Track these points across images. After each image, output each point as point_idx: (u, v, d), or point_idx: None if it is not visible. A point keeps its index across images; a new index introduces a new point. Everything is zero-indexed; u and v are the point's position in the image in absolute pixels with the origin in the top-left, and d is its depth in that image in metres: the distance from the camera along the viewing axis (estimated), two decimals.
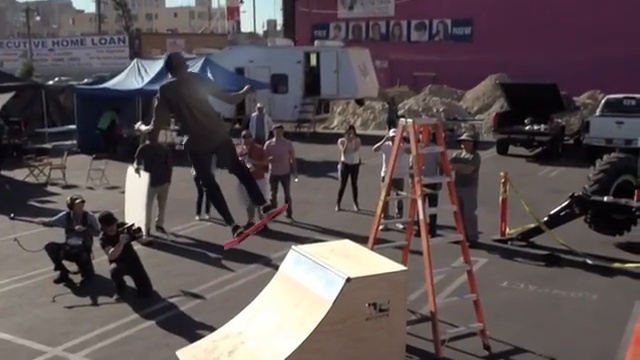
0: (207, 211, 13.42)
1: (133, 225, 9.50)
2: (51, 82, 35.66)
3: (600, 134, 19.63)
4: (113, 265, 9.11)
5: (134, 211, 11.66)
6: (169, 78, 7.14)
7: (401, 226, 10.99)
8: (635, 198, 10.83)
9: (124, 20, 68.27)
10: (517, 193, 11.85)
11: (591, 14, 33.49)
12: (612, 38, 32.54)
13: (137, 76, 21.59)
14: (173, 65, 7.11)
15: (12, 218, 9.81)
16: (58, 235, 10.04)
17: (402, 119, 7.60)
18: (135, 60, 23.88)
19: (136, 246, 9.75)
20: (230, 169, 7.68)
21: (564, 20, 34.32)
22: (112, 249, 9.06)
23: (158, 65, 21.48)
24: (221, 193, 7.41)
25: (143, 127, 7.51)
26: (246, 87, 7.68)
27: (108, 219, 9.26)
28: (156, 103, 7.06)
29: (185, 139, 7.18)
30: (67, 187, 16.78)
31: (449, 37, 39.88)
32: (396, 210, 12.64)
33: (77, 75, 43.25)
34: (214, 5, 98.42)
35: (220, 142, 7.19)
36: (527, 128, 21.23)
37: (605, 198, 11.01)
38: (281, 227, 12.81)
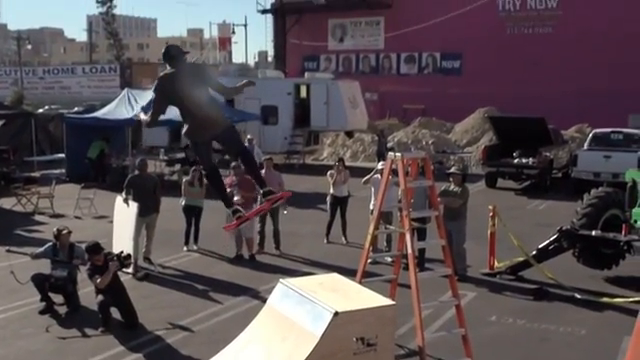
0: (195, 241, 13.38)
1: (122, 252, 9.44)
2: (41, 110, 35.62)
3: (588, 168, 19.76)
4: (100, 297, 9.03)
5: (122, 241, 11.60)
6: (167, 69, 6.95)
7: (390, 259, 10.97)
8: (623, 232, 10.87)
9: (115, 49, 68.68)
10: (505, 226, 11.88)
11: (579, 48, 33.91)
12: (600, 72, 32.93)
13: (127, 106, 21.56)
14: (171, 55, 6.93)
15: (8, 251, 9.75)
16: (43, 265, 9.95)
17: (391, 153, 7.63)
18: (125, 90, 23.89)
19: (123, 277, 9.69)
20: (235, 155, 7.50)
21: (552, 54, 34.77)
22: (100, 278, 8.98)
23: (148, 95, 21.48)
24: (221, 179, 7.36)
25: (142, 116, 7.38)
26: (245, 80, 7.55)
27: (95, 249, 9.21)
28: (153, 95, 6.97)
29: (185, 128, 7.05)
30: (55, 216, 16.68)
31: (438, 70, 40.24)
32: (384, 243, 12.62)
33: (67, 104, 43.18)
34: (206, 35, 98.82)
35: (221, 130, 7.01)
36: (516, 161, 21.33)
37: (593, 232, 11.05)
38: (269, 259, 12.78)
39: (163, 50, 7.06)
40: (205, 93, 6.89)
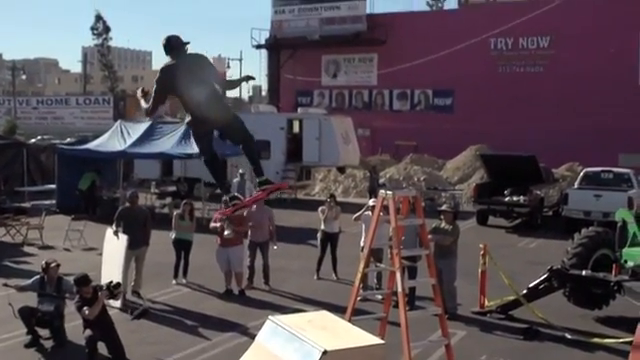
0: (184, 275, 13.30)
1: (111, 282, 9.35)
2: (33, 140, 35.61)
3: (578, 207, 19.84)
4: (88, 332, 8.93)
5: (111, 274, 11.50)
6: (169, 61, 6.73)
7: (380, 297, 10.92)
8: (613, 272, 10.87)
9: (110, 81, 68.92)
10: (496, 265, 11.86)
11: (570, 88, 34.26)
12: (591, 111, 33.21)
13: (120, 138, 21.55)
14: (172, 47, 6.69)
15: (5, 285, 9.67)
16: (29, 297, 9.84)
17: (382, 191, 7.64)
18: (119, 122, 23.88)
19: (111, 311, 9.59)
20: (237, 144, 7.43)
21: (543, 93, 35.06)
22: (89, 308, 8.88)
23: (141, 128, 21.53)
24: (221, 165, 7.30)
25: (143, 103, 7.25)
26: (245, 75, 7.47)
27: (84, 280, 9.11)
28: (155, 86, 6.77)
29: (187, 118, 6.92)
30: (44, 248, 16.57)
31: (430, 107, 40.52)
32: (375, 280, 12.56)
33: (60, 134, 43.24)
34: None
35: (223, 123, 6.88)
36: (506, 199, 21.37)
37: (583, 272, 11.03)
38: (259, 294, 12.69)
39: (163, 41, 6.74)
40: (205, 87, 6.68)
